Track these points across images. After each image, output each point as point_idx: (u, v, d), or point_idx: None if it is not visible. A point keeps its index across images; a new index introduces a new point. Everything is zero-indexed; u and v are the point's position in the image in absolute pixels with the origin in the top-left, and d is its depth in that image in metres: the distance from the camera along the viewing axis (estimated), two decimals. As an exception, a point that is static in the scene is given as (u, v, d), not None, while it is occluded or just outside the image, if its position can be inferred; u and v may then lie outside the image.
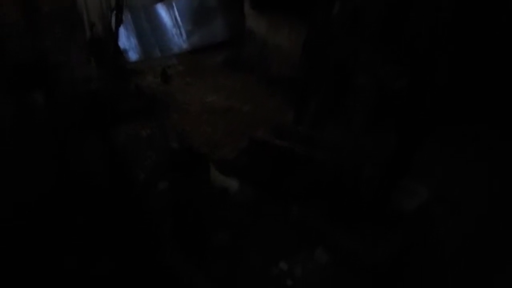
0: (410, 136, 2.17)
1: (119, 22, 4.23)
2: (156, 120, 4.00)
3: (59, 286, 2.29)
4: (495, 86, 3.30)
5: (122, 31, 4.72)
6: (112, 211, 2.72)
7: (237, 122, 4.00)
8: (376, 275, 2.35)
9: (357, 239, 2.43)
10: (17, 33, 3.12)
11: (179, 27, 5.52)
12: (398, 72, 2.05)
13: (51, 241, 2.49)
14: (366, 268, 2.35)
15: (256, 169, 3.14)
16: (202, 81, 4.91)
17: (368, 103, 2.22)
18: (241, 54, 5.25)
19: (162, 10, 5.51)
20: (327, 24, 2.74)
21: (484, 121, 3.40)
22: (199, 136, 3.78)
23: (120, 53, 4.79)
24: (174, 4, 5.50)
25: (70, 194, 2.80)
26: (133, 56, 5.29)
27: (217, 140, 3.71)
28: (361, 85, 2.22)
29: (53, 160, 3.01)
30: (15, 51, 3.14)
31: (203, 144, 3.61)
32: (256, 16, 5.07)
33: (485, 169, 3.14)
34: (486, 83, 3.31)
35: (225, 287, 2.31)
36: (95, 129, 3.38)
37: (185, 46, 5.57)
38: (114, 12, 4.26)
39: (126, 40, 5.18)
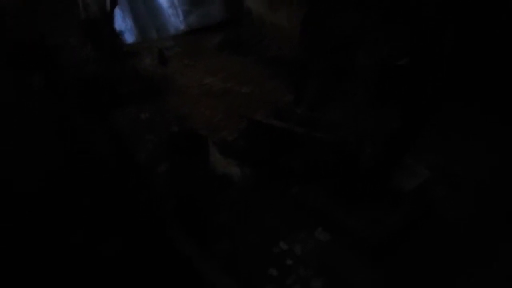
0: (416, 116, 2.15)
1: (114, 3, 4.14)
2: (155, 103, 3.98)
3: (67, 261, 2.32)
4: (494, 70, 3.29)
5: (117, 12, 4.63)
6: (118, 192, 2.75)
7: (236, 104, 3.98)
8: (376, 253, 2.38)
9: (357, 217, 2.46)
10: (15, 13, 3.07)
11: (175, 7, 5.40)
12: (402, 50, 2.01)
13: (59, 218, 2.52)
14: (366, 245, 2.39)
15: (256, 151, 3.15)
16: (200, 63, 4.85)
17: (370, 83, 2.19)
18: (240, 34, 5.16)
19: (157, -10, 5.38)
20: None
21: (482, 102, 3.40)
22: (198, 119, 3.77)
23: (116, 35, 4.70)
24: (169, -16, 5.38)
25: (78, 175, 2.83)
26: (129, 38, 5.19)
27: (216, 122, 3.70)
28: (363, 65, 2.19)
29: (59, 141, 3.03)
30: (14, 30, 3.10)
31: (202, 127, 3.60)
32: (254, -6, 4.96)
33: (484, 147, 3.16)
34: (484, 66, 3.29)
35: (226, 266, 2.35)
36: (95, 112, 3.37)
37: (182, 27, 5.47)
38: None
39: (122, 21, 5.08)
